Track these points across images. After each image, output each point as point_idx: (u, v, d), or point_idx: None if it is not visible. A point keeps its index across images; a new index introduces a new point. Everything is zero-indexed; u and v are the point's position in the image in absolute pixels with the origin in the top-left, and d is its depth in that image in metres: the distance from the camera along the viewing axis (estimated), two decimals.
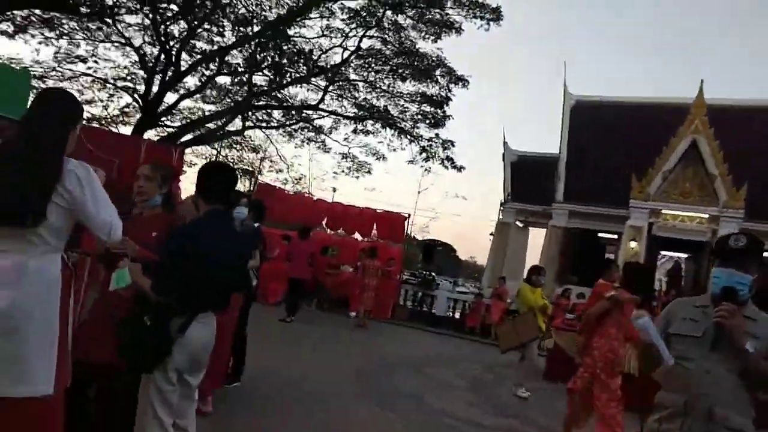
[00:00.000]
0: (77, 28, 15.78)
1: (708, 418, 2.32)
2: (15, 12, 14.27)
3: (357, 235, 16.11)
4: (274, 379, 6.39)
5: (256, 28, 16.17)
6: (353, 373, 7.51)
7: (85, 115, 16.72)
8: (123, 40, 16.31)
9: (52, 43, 16.11)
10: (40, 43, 15.93)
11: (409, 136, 19.67)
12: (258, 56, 16.44)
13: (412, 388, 7.25)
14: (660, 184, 17.88)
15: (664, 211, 18.02)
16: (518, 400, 7.51)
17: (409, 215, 16.29)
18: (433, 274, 23.44)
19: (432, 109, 18.90)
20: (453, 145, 19.92)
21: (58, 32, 15.71)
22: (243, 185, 20.03)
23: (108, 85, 17.42)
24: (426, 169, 20.55)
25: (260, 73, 17.44)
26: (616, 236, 18.86)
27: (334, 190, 29.74)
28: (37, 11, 14.53)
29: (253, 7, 16.13)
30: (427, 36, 17.49)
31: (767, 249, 2.58)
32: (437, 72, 17.67)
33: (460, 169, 20.22)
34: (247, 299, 5.66)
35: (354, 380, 7.15)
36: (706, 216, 17.50)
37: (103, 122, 17.41)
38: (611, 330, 5.32)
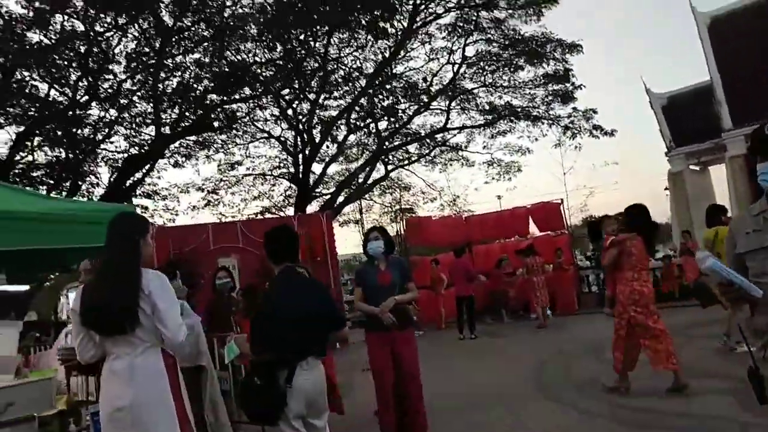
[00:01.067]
0: (227, 140, 18.08)
1: None
2: (177, 145, 16.78)
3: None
4: (454, 392, 6.69)
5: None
6: (531, 373, 7.55)
7: (256, 208, 18.92)
8: (266, 135, 18.35)
9: (212, 159, 18.65)
10: (203, 163, 18.59)
11: (546, 121, 19.38)
12: (367, 107, 17.46)
13: (591, 375, 6.86)
14: None
15: None
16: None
17: (562, 200, 15.82)
18: None
19: (559, 86, 18.51)
20: (596, 113, 19.21)
21: (213, 149, 18.14)
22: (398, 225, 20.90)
23: (267, 178, 19.56)
24: (576, 147, 19.91)
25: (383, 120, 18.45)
26: None
27: (499, 198, 29.61)
28: (192, 138, 16.94)
29: (352, 66, 17.29)
30: (527, 19, 17.39)
31: None
32: (548, 49, 17.36)
33: (611, 133, 19.38)
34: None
35: (532, 380, 7.18)
36: None
37: (273, 210, 19.51)
38: (627, 274, 5.79)
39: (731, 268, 2.18)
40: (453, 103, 19.25)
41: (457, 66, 18.53)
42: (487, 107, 19.37)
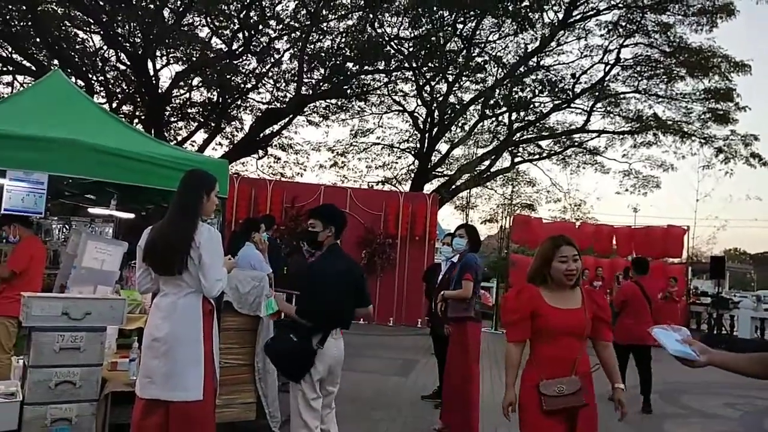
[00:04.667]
0: (364, 107, 18.73)
1: None
2: (317, 104, 17.72)
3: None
4: None
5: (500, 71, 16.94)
6: None
7: (377, 177, 19.57)
8: (401, 108, 18.74)
9: (347, 123, 19.46)
10: (338, 125, 19.46)
11: (698, 139, 17.86)
12: (504, 97, 17.06)
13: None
14: None
15: None
16: None
17: (689, 227, 14.55)
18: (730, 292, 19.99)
19: (719, 104, 16.89)
20: (757, 140, 17.35)
21: (350, 113, 18.89)
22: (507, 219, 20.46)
23: (394, 149, 20.03)
24: (728, 173, 18.13)
25: (516, 112, 17.99)
26: None
27: (635, 210, 27.90)
28: (333, 101, 17.77)
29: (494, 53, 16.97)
30: (698, 27, 15.95)
31: None
32: (712, 63, 15.87)
33: None
34: None
35: None
36: None
37: (393, 182, 20.01)
38: None
39: None
40: (598, 105, 18.29)
41: (609, 66, 17.54)
42: (633, 114, 18.18)
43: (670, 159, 19.18)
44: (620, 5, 16.41)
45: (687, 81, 16.93)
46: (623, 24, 16.84)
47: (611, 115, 18.72)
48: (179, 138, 17.20)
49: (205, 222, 3.28)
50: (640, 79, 17.80)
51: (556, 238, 2.97)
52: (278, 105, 16.67)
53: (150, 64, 14.82)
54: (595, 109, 18.31)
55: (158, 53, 14.99)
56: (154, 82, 15.04)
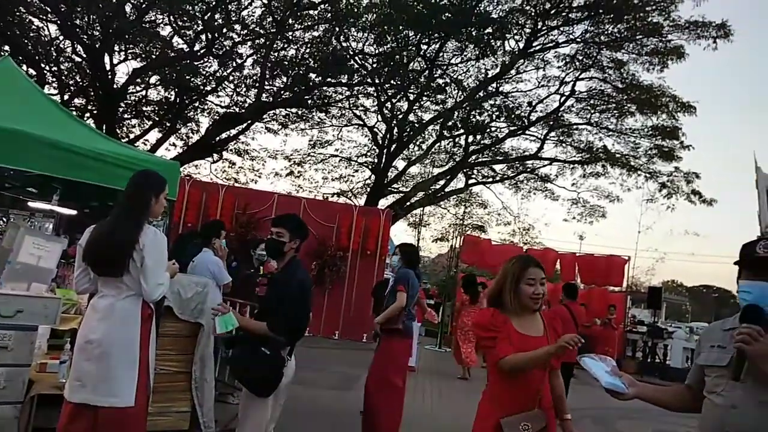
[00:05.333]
0: (324, 118, 18.74)
1: None
2: (276, 112, 17.62)
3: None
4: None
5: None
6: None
7: (333, 189, 19.55)
8: (361, 122, 18.84)
9: (306, 133, 19.43)
10: (297, 134, 19.41)
11: (644, 173, 18.60)
12: (461, 120, 17.45)
13: None
14: None
15: None
16: None
17: (630, 258, 15.13)
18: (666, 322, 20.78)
19: (665, 141, 17.68)
20: (698, 177, 18.21)
21: (310, 123, 18.86)
22: (458, 239, 20.74)
23: (351, 162, 20.08)
24: (669, 207, 18.94)
25: (472, 135, 18.38)
26: None
27: (581, 238, 28.64)
28: (293, 110, 17.71)
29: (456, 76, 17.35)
30: (650, 67, 16.70)
31: None
32: (661, 101, 16.64)
33: (710, 202, 18.32)
34: None
35: None
36: None
37: (349, 194, 20.03)
38: None
39: (690, 373, 2.32)
40: (551, 134, 18.86)
41: (565, 98, 18.13)
42: (584, 145, 18.82)
43: (617, 191, 19.87)
44: (578, 40, 17.04)
45: (636, 117, 17.66)
46: (580, 58, 17.46)
47: (563, 144, 19.32)
48: (131, 136, 16.76)
49: (151, 224, 3.22)
50: (592, 112, 18.44)
51: (525, 259, 2.77)
52: (237, 110, 16.49)
53: (107, 58, 14.45)
54: (548, 137, 18.86)
55: (116, 48, 14.64)
56: (109, 77, 14.65)
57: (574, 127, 18.88)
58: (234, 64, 15.63)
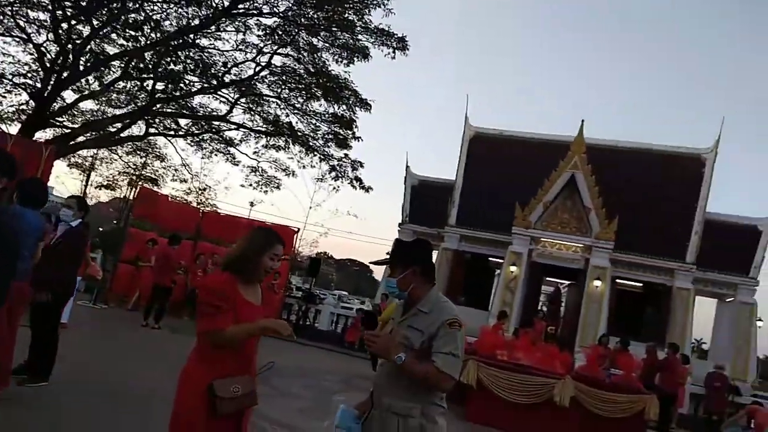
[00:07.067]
0: None
1: (380, 406, 2.61)
2: None
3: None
4: (95, 380, 6.49)
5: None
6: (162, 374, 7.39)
7: None
8: (24, 36, 15.79)
9: None
10: None
11: (319, 154, 20.30)
12: (153, 64, 16.40)
13: None
14: (541, 213, 19.47)
15: (543, 239, 19.61)
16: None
17: (299, 229, 16.67)
18: (318, 290, 23.79)
19: (341, 129, 19.64)
20: (362, 166, 20.77)
21: None
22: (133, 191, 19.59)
23: (4, 81, 16.70)
24: (335, 188, 21.15)
25: (162, 82, 17.36)
26: (502, 260, 20.19)
27: (252, 204, 29.57)
28: None
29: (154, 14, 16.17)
30: (339, 59, 18.27)
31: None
32: (344, 93, 18.43)
33: (368, 189, 21.09)
34: (57, 296, 5.52)
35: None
36: (581, 245, 19.26)
37: None
38: None
39: None
40: (242, 99, 19.08)
41: (260, 68, 18.54)
42: (271, 118, 19.60)
43: (294, 166, 21.30)
44: (281, 15, 17.61)
45: (321, 102, 19.15)
46: (280, 33, 18.05)
47: (252, 112, 19.77)
48: None
49: None
50: (283, 88, 19.31)
51: (273, 234, 2.95)
52: None
53: None
54: (239, 102, 19.05)
55: None
56: None
57: (265, 98, 19.50)
58: None
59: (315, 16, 17.55)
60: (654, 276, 19.54)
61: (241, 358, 2.72)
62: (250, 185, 21.12)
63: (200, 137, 19.81)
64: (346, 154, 20.16)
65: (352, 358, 13.71)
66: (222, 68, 18.09)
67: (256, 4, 17.38)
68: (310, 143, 19.92)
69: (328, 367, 11.47)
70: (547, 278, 24.20)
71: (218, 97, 18.81)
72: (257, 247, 2.84)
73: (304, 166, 20.69)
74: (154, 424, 4.97)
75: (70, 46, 15.48)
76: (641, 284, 20.66)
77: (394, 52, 17.60)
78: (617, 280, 20.12)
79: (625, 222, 18.71)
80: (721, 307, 21.06)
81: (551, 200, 19.41)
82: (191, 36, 17.01)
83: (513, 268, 19.25)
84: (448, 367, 2.49)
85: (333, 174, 20.38)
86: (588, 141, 19.75)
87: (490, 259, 22.28)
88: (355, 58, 18.03)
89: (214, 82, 17.92)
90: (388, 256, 2.83)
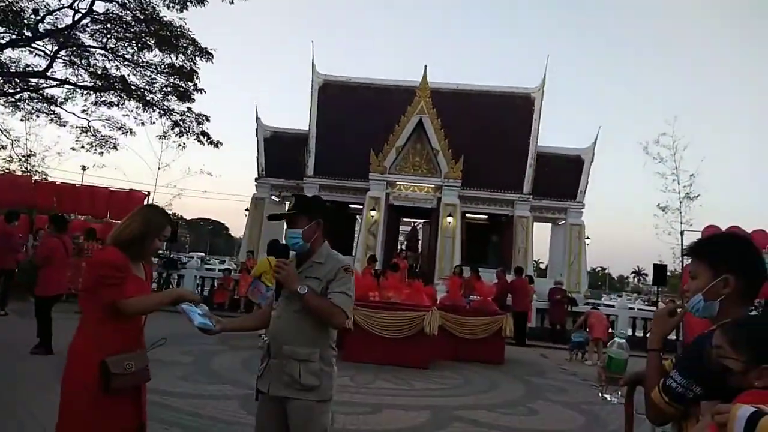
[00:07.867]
0: None
1: (279, 355, 2.73)
2: None
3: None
4: None
5: None
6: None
7: None
8: None
9: None
10: None
11: (158, 109, 18.91)
12: None
13: None
14: (395, 158, 20.09)
15: (398, 183, 20.33)
16: (232, 369, 8.01)
17: (149, 193, 15.79)
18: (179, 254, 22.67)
19: (182, 81, 18.40)
20: (208, 120, 19.77)
21: None
22: None
23: None
24: (181, 145, 19.98)
25: None
26: (362, 206, 20.64)
27: (84, 168, 26.91)
28: None
29: None
30: (171, 4, 16.89)
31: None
32: (181, 42, 17.23)
33: (217, 144, 20.22)
34: None
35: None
36: (432, 186, 20.27)
37: None
38: None
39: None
40: (62, 52, 17.02)
41: (80, 15, 16.58)
42: (100, 72, 17.80)
43: (131, 124, 19.70)
44: None
45: (156, 53, 17.73)
46: None
47: (75, 66, 17.79)
48: None
49: None
50: (109, 37, 17.55)
51: (167, 216, 2.97)
52: None
53: None
54: (58, 56, 17.00)
55: None
56: None
57: (89, 49, 17.59)
58: None
59: None
60: (497, 208, 21.22)
61: (131, 334, 2.72)
62: (82, 147, 19.31)
63: (16, 97, 17.47)
64: (189, 108, 19.12)
65: (223, 318, 13.32)
66: (33, 16, 15.92)
67: None
68: (147, 97, 18.54)
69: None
70: (404, 219, 25.26)
71: (33, 50, 16.61)
72: (153, 228, 2.83)
73: (143, 123, 19.27)
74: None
75: None
76: (486, 216, 22.37)
77: None
78: (466, 215, 21.57)
79: (470, 160, 19.95)
80: (555, 229, 23.50)
81: (402, 145, 20.03)
82: None
83: (373, 213, 19.78)
84: (343, 303, 2.74)
85: (177, 130, 19.28)
86: (432, 85, 20.49)
87: (350, 206, 22.65)
88: (189, 3, 16.82)
89: (27, 33, 15.75)
90: (289, 211, 2.93)
